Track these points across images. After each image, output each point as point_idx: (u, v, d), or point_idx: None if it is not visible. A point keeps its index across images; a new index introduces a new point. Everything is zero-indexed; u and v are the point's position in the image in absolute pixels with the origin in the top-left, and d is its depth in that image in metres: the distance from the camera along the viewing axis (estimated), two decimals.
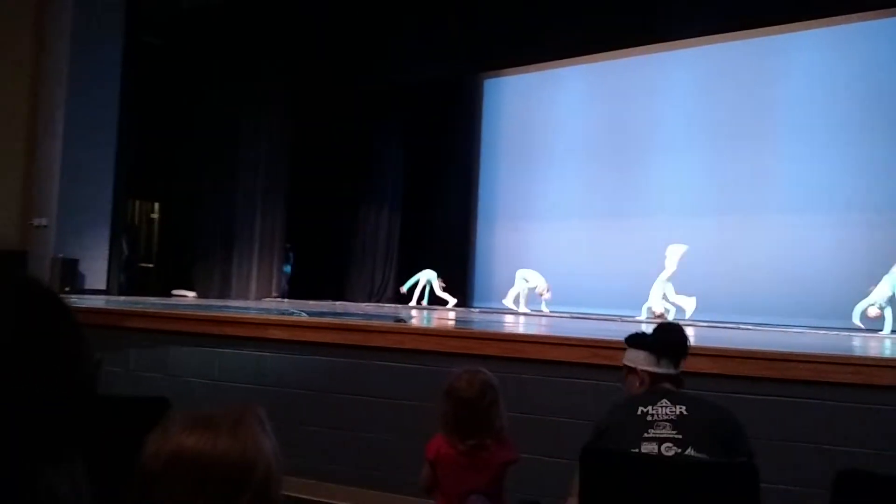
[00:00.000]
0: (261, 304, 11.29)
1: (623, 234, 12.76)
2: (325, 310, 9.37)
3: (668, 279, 10.30)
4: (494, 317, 10.37)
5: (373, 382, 5.07)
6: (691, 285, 10.83)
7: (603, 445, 2.68)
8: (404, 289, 13.13)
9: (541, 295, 11.55)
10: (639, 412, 2.67)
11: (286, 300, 12.73)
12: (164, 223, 13.12)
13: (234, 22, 11.99)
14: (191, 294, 11.94)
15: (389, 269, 14.87)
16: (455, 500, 2.80)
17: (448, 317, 9.90)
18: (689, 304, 10.09)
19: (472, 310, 12.77)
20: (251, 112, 12.99)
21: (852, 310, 8.86)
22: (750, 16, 10.69)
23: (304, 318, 6.28)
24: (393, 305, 12.84)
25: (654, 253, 11.66)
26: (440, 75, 13.78)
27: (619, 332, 7.45)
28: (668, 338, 2.93)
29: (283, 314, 6.94)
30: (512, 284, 11.90)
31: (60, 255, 10.18)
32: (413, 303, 12.89)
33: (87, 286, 10.52)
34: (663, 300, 10.28)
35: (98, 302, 8.45)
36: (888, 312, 8.38)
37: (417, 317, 8.99)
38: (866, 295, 8.68)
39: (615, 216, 13.02)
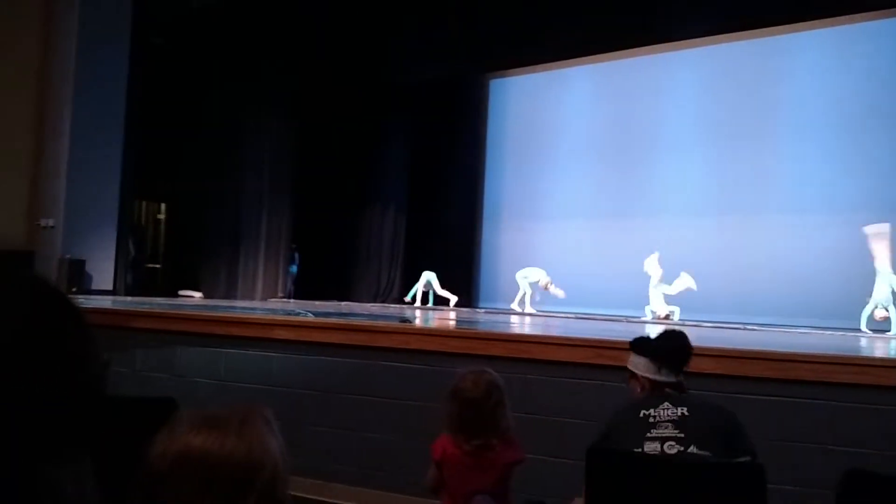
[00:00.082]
0: (267, 304, 11.31)
1: (628, 233, 12.74)
2: (330, 310, 9.38)
3: (659, 282, 10.33)
4: (500, 317, 10.37)
5: (378, 383, 5.08)
6: (696, 285, 10.83)
7: (607, 446, 2.70)
8: (408, 298, 13.11)
9: (545, 288, 11.51)
10: (641, 415, 2.71)
11: (292, 300, 12.74)
12: (170, 223, 13.14)
13: (240, 23, 12.00)
14: (197, 294, 11.96)
15: (395, 269, 14.87)
16: (461, 500, 2.80)
17: (449, 316, 9.89)
18: (687, 282, 10.12)
19: (478, 310, 12.76)
20: (256, 112, 13.01)
21: (855, 309, 8.80)
22: (753, 16, 10.70)
23: (310, 318, 6.29)
24: (398, 306, 12.85)
25: (659, 253, 11.65)
26: (444, 75, 13.80)
27: (623, 332, 7.45)
28: (669, 347, 2.93)
29: (288, 314, 6.95)
30: (517, 287, 11.88)
31: (67, 256, 10.20)
32: (418, 303, 12.88)
33: (94, 287, 10.55)
34: (664, 303, 10.28)
35: (105, 302, 8.47)
36: (893, 313, 8.34)
37: (421, 318, 8.99)
38: (867, 301, 8.63)
39: (620, 216, 13.01)
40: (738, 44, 11.87)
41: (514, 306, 11.67)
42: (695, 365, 3.06)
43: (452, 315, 10.47)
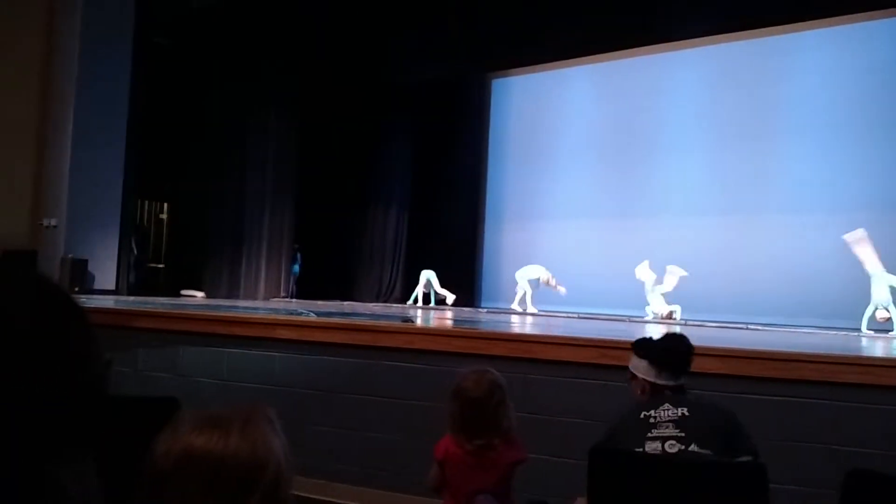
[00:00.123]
0: (269, 304, 11.31)
1: (630, 233, 12.75)
2: (333, 310, 9.38)
3: (654, 286, 10.35)
4: (501, 317, 10.37)
5: (381, 382, 5.08)
6: (696, 284, 10.83)
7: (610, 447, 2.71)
8: (411, 302, 13.10)
9: (547, 284, 11.49)
10: (642, 416, 2.72)
11: (294, 300, 12.75)
12: (172, 223, 13.16)
13: (242, 23, 12.02)
14: (199, 294, 11.97)
15: (397, 269, 14.89)
16: (463, 499, 2.80)
17: (447, 316, 9.89)
18: (677, 273, 10.28)
19: (480, 310, 12.76)
20: (259, 112, 13.03)
21: (857, 309, 8.79)
22: (753, 16, 10.70)
23: (313, 318, 6.29)
24: (400, 306, 12.86)
25: (661, 252, 11.65)
26: (445, 75, 13.80)
27: (626, 331, 7.45)
28: (670, 351, 2.93)
29: (291, 314, 6.96)
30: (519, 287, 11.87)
31: (70, 256, 10.22)
32: (420, 303, 12.87)
33: (97, 286, 10.57)
34: (664, 303, 10.28)
35: (107, 302, 8.48)
36: (894, 313, 8.34)
37: (421, 318, 8.99)
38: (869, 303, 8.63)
39: (621, 215, 13.01)
40: (739, 43, 11.87)
41: (515, 306, 11.65)
42: (698, 365, 3.06)
43: (450, 314, 10.46)
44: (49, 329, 0.75)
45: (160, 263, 12.96)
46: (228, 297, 12.13)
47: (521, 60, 13.58)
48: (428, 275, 12.99)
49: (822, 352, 4.50)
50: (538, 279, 11.56)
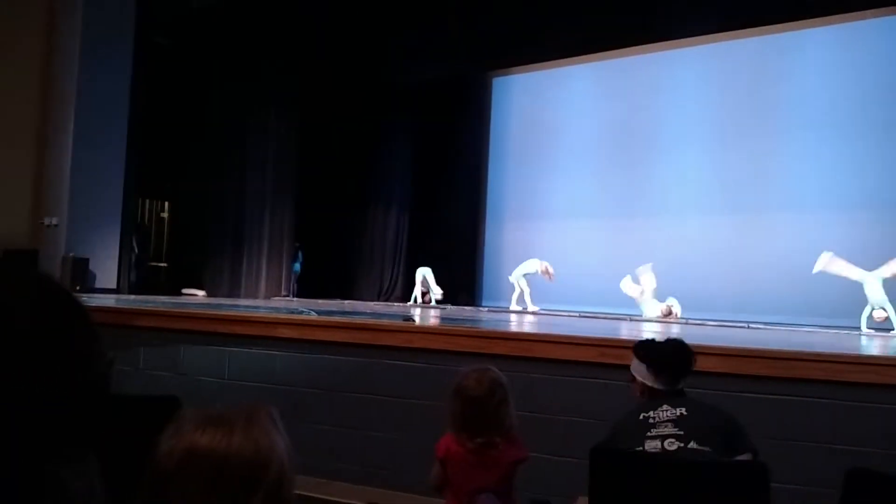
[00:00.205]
0: (270, 302, 11.32)
1: (631, 232, 12.75)
2: (333, 309, 9.38)
3: (640, 295, 10.37)
4: (502, 316, 10.37)
5: (381, 381, 5.08)
6: (698, 284, 10.84)
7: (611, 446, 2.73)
8: (412, 302, 13.07)
9: (545, 273, 11.44)
10: (641, 417, 2.76)
11: (295, 299, 12.75)
12: (173, 222, 13.17)
13: (242, 23, 12.01)
14: (200, 293, 11.98)
15: (398, 268, 14.89)
16: (465, 498, 2.80)
17: (448, 315, 9.88)
18: (647, 270, 10.41)
19: (481, 309, 12.76)
20: (259, 111, 13.03)
21: (858, 308, 8.79)
22: (754, 14, 10.70)
23: (314, 316, 6.29)
24: (401, 304, 12.86)
25: (662, 251, 11.66)
26: (446, 74, 13.80)
27: (627, 331, 7.45)
28: (669, 358, 2.94)
29: (292, 313, 6.96)
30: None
31: (71, 254, 10.23)
32: (420, 301, 12.86)
33: (98, 285, 10.58)
34: (657, 304, 10.29)
35: (108, 301, 8.49)
36: (892, 313, 8.34)
37: (419, 316, 8.99)
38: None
39: (623, 214, 13.00)
40: (740, 42, 11.86)
41: (514, 306, 11.63)
42: (699, 364, 3.07)
43: (450, 313, 10.44)
44: (51, 328, 0.75)
45: (162, 262, 12.97)
46: (229, 295, 12.13)
47: (522, 59, 13.57)
48: (424, 272, 12.97)
49: (822, 351, 4.50)
50: (536, 272, 11.50)
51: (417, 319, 7.25)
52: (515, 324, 8.19)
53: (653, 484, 2.45)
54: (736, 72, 12.13)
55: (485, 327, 6.32)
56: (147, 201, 12.77)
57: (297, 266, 13.80)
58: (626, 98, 13.22)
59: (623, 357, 3.71)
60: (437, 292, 12.65)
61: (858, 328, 8.49)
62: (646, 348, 3.03)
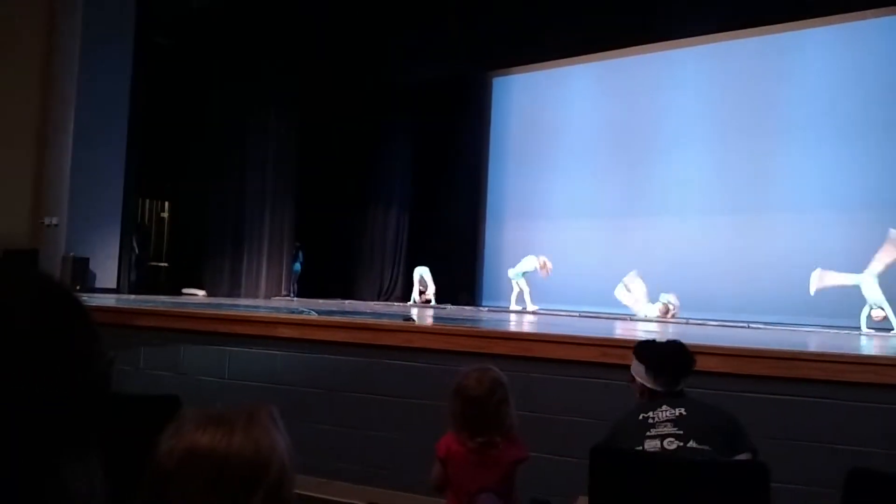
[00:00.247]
0: (270, 302, 11.32)
1: (632, 231, 12.75)
2: (334, 308, 9.38)
3: (635, 302, 10.42)
4: (502, 315, 10.37)
5: (382, 381, 5.08)
6: (698, 284, 10.82)
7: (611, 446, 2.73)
8: (411, 302, 13.05)
9: (543, 267, 11.43)
10: (640, 417, 2.76)
11: (295, 299, 12.75)
12: (173, 222, 13.17)
13: (242, 23, 12.01)
14: (201, 293, 11.98)
15: (398, 267, 14.90)
16: (465, 498, 2.80)
17: (448, 314, 9.88)
18: (633, 278, 10.48)
19: (481, 308, 12.76)
20: (259, 111, 13.04)
21: (859, 308, 8.80)
22: (755, 14, 10.69)
23: (314, 316, 6.29)
24: (402, 304, 12.86)
25: (662, 251, 11.65)
26: (446, 74, 13.79)
27: (628, 330, 7.45)
28: (668, 360, 2.94)
29: (292, 313, 6.96)
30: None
31: (71, 254, 10.23)
32: (418, 301, 12.85)
33: (98, 285, 10.58)
34: (651, 305, 10.32)
35: (108, 300, 8.48)
36: (890, 313, 8.35)
37: (417, 315, 8.99)
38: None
39: (623, 214, 13.00)
40: (741, 42, 11.86)
41: (513, 306, 11.62)
42: (700, 364, 3.07)
43: (450, 313, 10.45)
44: (51, 328, 0.74)
45: (162, 262, 12.97)
46: (230, 295, 12.14)
47: (523, 59, 13.57)
48: (421, 271, 12.97)
49: (823, 350, 4.50)
50: (534, 269, 11.48)
51: (417, 319, 7.25)
52: (515, 324, 8.19)
53: (653, 483, 2.45)
54: (736, 72, 12.13)
55: (485, 327, 6.32)
56: (147, 201, 12.77)
57: (298, 266, 13.80)
58: (626, 98, 13.22)
59: (624, 357, 3.70)
60: (429, 291, 12.67)
61: (858, 328, 8.49)
62: (645, 350, 3.03)
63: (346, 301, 12.82)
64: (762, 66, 11.88)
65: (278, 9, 11.86)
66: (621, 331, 7.42)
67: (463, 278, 14.22)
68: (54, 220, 10.37)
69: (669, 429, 2.66)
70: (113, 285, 10.84)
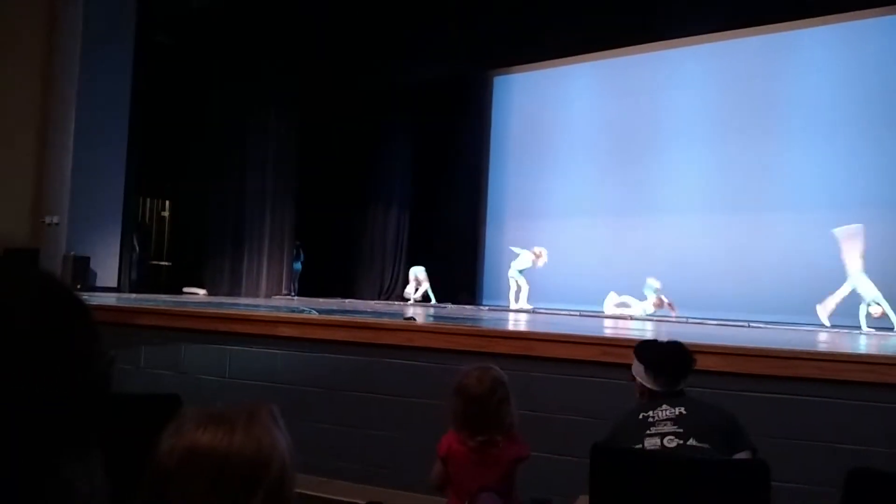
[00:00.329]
0: (271, 301, 11.32)
1: (632, 231, 12.74)
2: (334, 307, 9.38)
3: (632, 309, 10.44)
4: (501, 314, 10.36)
5: (382, 380, 5.08)
6: (699, 283, 10.81)
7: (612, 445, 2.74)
8: (411, 301, 13.04)
9: (538, 257, 11.41)
10: (640, 417, 2.77)
11: (296, 298, 12.76)
12: (174, 221, 13.18)
13: (243, 22, 12.01)
14: (201, 291, 11.98)
15: (398, 266, 14.90)
16: (466, 496, 2.80)
17: (449, 314, 9.88)
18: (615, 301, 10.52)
19: (481, 307, 12.76)
20: (260, 111, 13.04)
21: (860, 308, 8.81)
22: (756, 13, 10.68)
23: (314, 315, 6.29)
24: (402, 303, 12.86)
25: (663, 250, 11.64)
26: (446, 73, 13.78)
27: (628, 330, 7.45)
28: (668, 361, 2.94)
29: (293, 312, 6.96)
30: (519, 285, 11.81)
31: (72, 253, 10.24)
32: (417, 299, 12.85)
33: (99, 284, 10.59)
34: (646, 301, 10.35)
35: (109, 299, 8.48)
36: (887, 308, 8.34)
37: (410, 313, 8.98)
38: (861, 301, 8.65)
39: (624, 213, 13.00)
40: (741, 41, 11.85)
41: (513, 304, 11.61)
42: (700, 363, 3.07)
43: (450, 312, 10.44)
44: (52, 327, 0.74)
45: (162, 261, 12.98)
46: (230, 294, 12.15)
47: (523, 58, 13.56)
48: (416, 271, 12.98)
49: (823, 350, 4.49)
50: (532, 264, 11.47)
51: (416, 318, 7.26)
52: (515, 322, 8.19)
53: (654, 482, 2.45)
54: (736, 71, 12.12)
55: (485, 326, 6.32)
56: (148, 200, 12.78)
57: (298, 265, 13.80)
58: (626, 97, 13.21)
59: (624, 356, 3.71)
60: (422, 289, 12.68)
61: (859, 327, 8.49)
62: (646, 350, 3.03)
63: (347, 300, 12.82)
64: (762, 66, 11.87)
65: (278, 9, 11.85)
66: (621, 330, 7.42)
67: (463, 277, 14.21)
68: (55, 219, 10.37)
69: (669, 427, 2.67)
70: (114, 284, 10.84)
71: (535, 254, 11.45)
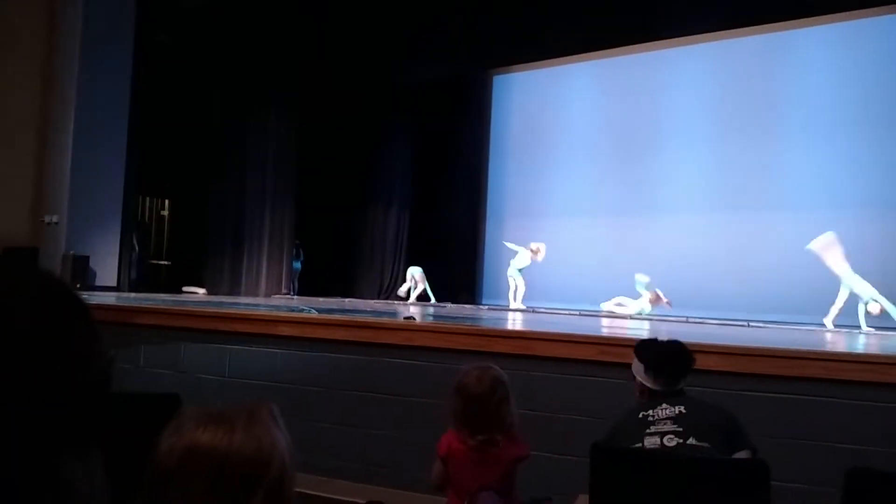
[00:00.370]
0: (270, 300, 11.32)
1: (632, 230, 12.74)
2: (334, 307, 9.38)
3: (629, 308, 10.42)
4: (500, 314, 10.36)
5: (382, 379, 5.08)
6: (698, 282, 10.81)
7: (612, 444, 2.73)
8: (412, 299, 13.02)
9: (536, 252, 11.41)
10: (640, 416, 2.77)
11: (296, 297, 12.76)
12: (173, 220, 13.17)
13: (243, 22, 12.01)
14: (201, 291, 11.98)
15: (398, 266, 14.90)
16: (466, 496, 2.80)
17: (448, 313, 9.89)
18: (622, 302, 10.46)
19: (481, 307, 12.76)
20: (260, 110, 13.04)
21: (858, 307, 8.80)
22: (756, 13, 10.69)
23: (314, 314, 6.29)
24: (401, 302, 12.86)
25: (663, 249, 11.64)
26: (446, 73, 13.78)
27: (628, 329, 7.45)
28: (668, 360, 2.94)
29: (292, 311, 6.96)
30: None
31: (71, 252, 10.23)
32: (413, 299, 12.85)
33: (98, 283, 10.58)
34: (640, 300, 10.35)
35: (109, 298, 8.48)
36: (885, 303, 8.33)
37: (406, 311, 8.98)
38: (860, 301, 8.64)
39: (624, 213, 13.00)
40: (741, 40, 11.85)
41: (512, 303, 11.61)
42: (700, 362, 3.07)
43: (449, 311, 10.45)
44: (52, 326, 0.74)
45: (162, 260, 12.98)
46: (230, 293, 12.15)
47: (523, 57, 13.56)
48: (413, 271, 12.99)
49: (824, 349, 4.49)
50: (531, 261, 11.46)
51: (415, 317, 7.26)
52: (515, 322, 8.19)
53: (653, 481, 2.45)
54: (736, 70, 12.12)
55: (485, 325, 6.32)
56: (147, 199, 12.78)
57: (298, 264, 13.80)
58: (626, 96, 13.21)
59: (623, 355, 3.71)
60: (418, 290, 12.68)
61: (859, 327, 8.49)
62: (645, 349, 3.03)
63: (347, 299, 12.82)
64: (762, 65, 11.87)
65: (278, 9, 11.85)
66: (621, 329, 7.41)
67: (463, 277, 14.21)
68: (54, 219, 10.37)
69: (669, 426, 2.67)
70: (113, 283, 10.84)
71: (532, 250, 11.45)
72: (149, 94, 11.42)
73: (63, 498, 0.72)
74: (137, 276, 11.59)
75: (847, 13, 10.80)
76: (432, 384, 4.68)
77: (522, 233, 13.98)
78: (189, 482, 1.09)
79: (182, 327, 5.86)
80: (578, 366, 4.53)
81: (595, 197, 13.38)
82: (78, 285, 9.74)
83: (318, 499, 4.80)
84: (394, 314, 7.54)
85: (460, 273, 14.16)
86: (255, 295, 12.51)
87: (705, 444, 2.61)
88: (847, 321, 9.00)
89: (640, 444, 2.66)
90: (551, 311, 11.10)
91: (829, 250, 8.82)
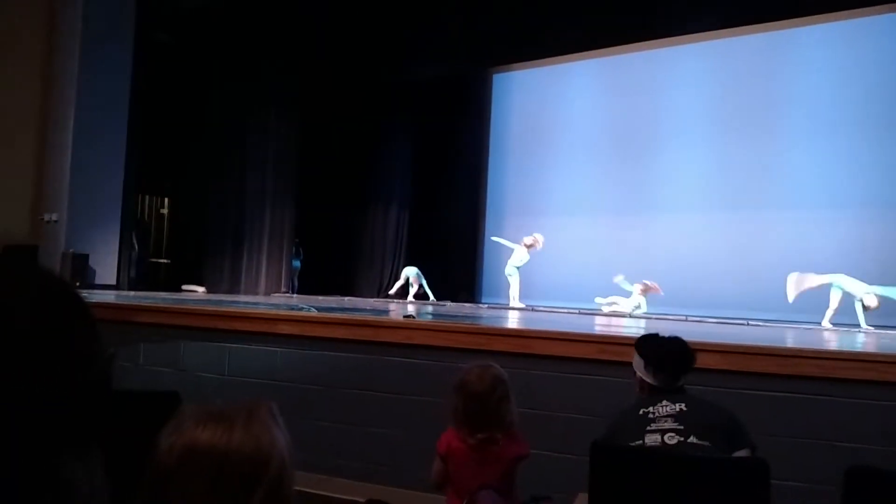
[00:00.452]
0: (270, 299, 11.31)
1: (632, 229, 12.74)
2: (334, 305, 9.38)
3: (622, 306, 10.41)
4: (501, 312, 10.36)
5: (382, 378, 5.08)
6: (698, 281, 10.81)
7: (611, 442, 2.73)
8: (411, 297, 13.04)
9: (533, 245, 11.41)
10: (640, 412, 2.76)
11: (295, 295, 12.75)
12: (173, 218, 13.17)
13: (243, 21, 12.01)
14: (200, 289, 11.98)
15: (398, 264, 14.90)
16: (466, 494, 2.80)
17: (446, 311, 9.89)
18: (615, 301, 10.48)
19: (480, 305, 12.75)
20: (260, 109, 13.04)
21: (855, 305, 8.80)
22: (756, 12, 10.69)
23: (314, 313, 6.29)
24: (401, 301, 12.86)
25: (663, 248, 11.64)
26: (446, 72, 13.79)
27: (628, 328, 7.45)
28: (668, 356, 2.93)
29: (292, 309, 6.95)
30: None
31: (71, 250, 10.23)
32: (410, 298, 12.86)
33: (98, 281, 10.58)
34: (632, 296, 10.36)
35: (108, 297, 8.48)
36: (880, 290, 8.32)
37: (405, 310, 8.98)
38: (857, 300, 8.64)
39: (624, 211, 13.00)
40: (742, 38, 11.85)
41: (513, 302, 11.61)
42: (700, 361, 3.06)
43: (448, 310, 10.45)
44: (51, 324, 0.74)
45: (162, 259, 12.97)
46: (229, 292, 12.15)
47: (523, 56, 13.57)
48: (408, 272, 13.00)
49: (823, 348, 4.49)
50: (528, 255, 11.46)
51: (405, 310, 7.27)
52: (515, 320, 8.19)
53: (654, 479, 2.45)
54: (736, 69, 12.12)
55: (485, 324, 6.32)
56: (147, 198, 12.77)
57: (297, 262, 13.80)
58: (626, 95, 13.21)
59: (622, 354, 3.71)
60: (413, 290, 12.70)
61: (858, 325, 8.48)
62: (646, 345, 3.02)
63: (346, 298, 12.82)
64: (762, 64, 11.87)
65: (278, 9, 11.85)
66: (620, 328, 7.41)
67: (462, 275, 14.21)
68: (54, 217, 10.36)
69: (670, 424, 2.66)
70: (113, 282, 10.84)
71: (527, 244, 11.44)
72: (149, 94, 11.42)
73: (63, 498, 0.72)
74: (137, 274, 11.59)
75: (847, 12, 10.80)
76: (432, 382, 4.68)
77: (522, 232, 13.96)
78: (189, 481, 1.09)
79: (182, 325, 5.86)
80: (578, 364, 4.53)
81: (595, 196, 13.38)
82: (77, 283, 9.73)
83: (317, 497, 4.80)
84: (391, 313, 7.53)
85: (460, 272, 14.16)
86: (255, 293, 12.52)
87: (706, 443, 2.60)
88: (847, 321, 9.00)
89: (640, 442, 2.65)
90: (551, 310, 11.09)
91: (803, 282, 8.88)
